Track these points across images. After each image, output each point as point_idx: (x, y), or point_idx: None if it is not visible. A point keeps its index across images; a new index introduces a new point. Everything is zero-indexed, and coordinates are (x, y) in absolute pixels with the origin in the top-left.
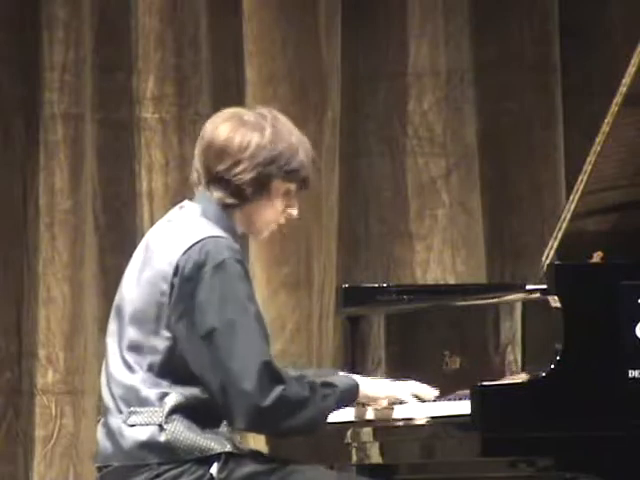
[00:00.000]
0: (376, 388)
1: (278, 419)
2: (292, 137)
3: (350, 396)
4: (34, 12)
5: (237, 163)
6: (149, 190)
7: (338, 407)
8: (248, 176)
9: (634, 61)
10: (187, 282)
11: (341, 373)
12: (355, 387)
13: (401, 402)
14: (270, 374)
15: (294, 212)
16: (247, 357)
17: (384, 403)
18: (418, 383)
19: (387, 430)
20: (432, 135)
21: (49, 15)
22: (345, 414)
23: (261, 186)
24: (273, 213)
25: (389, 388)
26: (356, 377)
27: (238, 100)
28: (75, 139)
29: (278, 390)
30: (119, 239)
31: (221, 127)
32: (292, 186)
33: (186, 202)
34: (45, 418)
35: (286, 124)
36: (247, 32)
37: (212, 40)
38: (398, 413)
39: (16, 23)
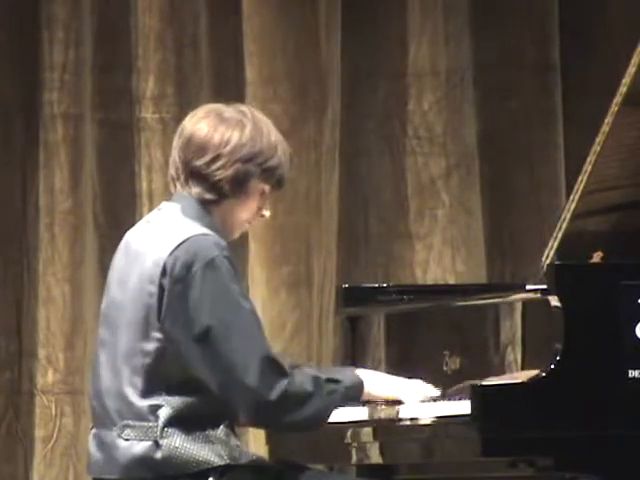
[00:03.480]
0: (381, 388)
1: (283, 413)
2: (271, 135)
3: (355, 393)
4: (34, 12)
5: (216, 158)
6: (149, 190)
7: (342, 404)
8: (227, 172)
9: (634, 61)
10: (177, 283)
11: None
12: (360, 385)
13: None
14: (273, 368)
15: (267, 213)
16: (248, 352)
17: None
18: (422, 383)
19: (387, 430)
20: (432, 135)
21: (49, 15)
22: (346, 414)
23: (239, 183)
24: (248, 213)
25: (394, 389)
26: (361, 373)
27: (238, 100)
28: (75, 139)
29: (283, 383)
30: (119, 239)
31: (201, 122)
32: (267, 187)
33: (164, 203)
34: (45, 418)
35: (266, 122)
36: (247, 31)
37: (212, 39)
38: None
39: (16, 23)
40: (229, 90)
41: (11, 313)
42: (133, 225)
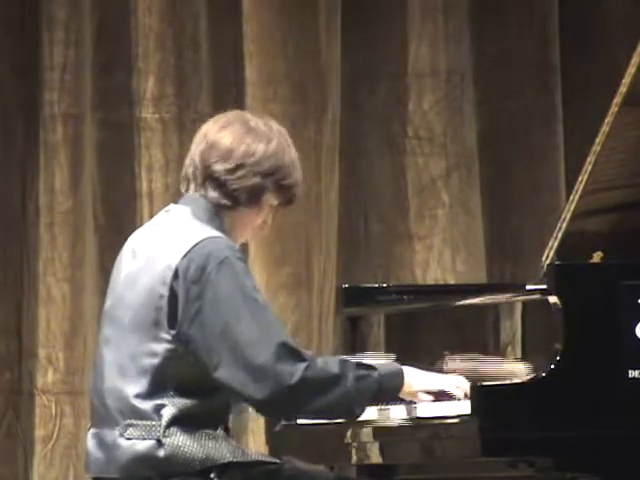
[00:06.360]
0: (423, 380)
1: (304, 398)
2: (292, 153)
3: (392, 383)
4: (34, 12)
5: (239, 168)
6: (149, 190)
7: (379, 395)
8: (246, 183)
9: (634, 61)
10: (193, 285)
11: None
12: (398, 373)
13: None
14: (289, 353)
15: (266, 228)
16: (263, 342)
17: (423, 397)
18: (463, 379)
19: (387, 430)
20: (432, 135)
21: (49, 15)
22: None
23: (255, 195)
24: (254, 224)
25: (437, 382)
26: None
27: (238, 100)
28: (75, 139)
29: (301, 367)
30: (119, 239)
31: (227, 129)
32: (276, 202)
33: (172, 205)
34: (45, 418)
35: (287, 138)
36: (247, 32)
37: (212, 40)
38: (397, 413)
39: (16, 23)
40: (229, 90)
41: (11, 313)
42: (133, 225)
